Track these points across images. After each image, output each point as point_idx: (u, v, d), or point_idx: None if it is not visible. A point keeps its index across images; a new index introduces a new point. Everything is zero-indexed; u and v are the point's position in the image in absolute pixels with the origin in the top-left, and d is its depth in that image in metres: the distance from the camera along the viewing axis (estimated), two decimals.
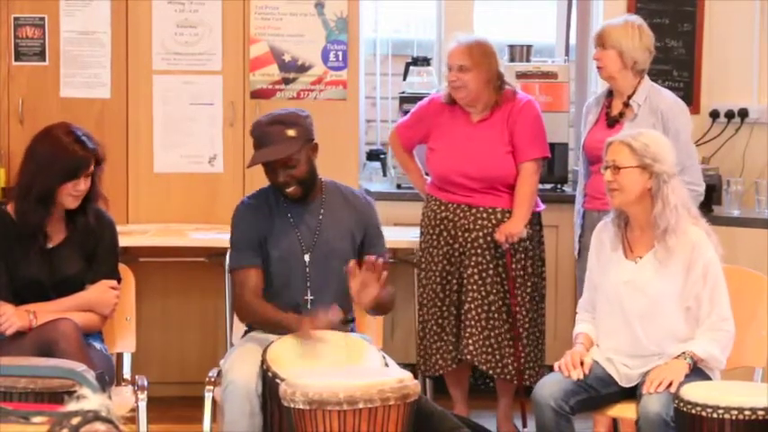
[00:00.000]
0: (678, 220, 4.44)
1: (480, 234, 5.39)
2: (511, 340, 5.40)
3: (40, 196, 4.50)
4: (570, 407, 4.41)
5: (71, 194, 4.52)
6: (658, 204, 4.45)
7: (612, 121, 5.27)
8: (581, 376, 4.44)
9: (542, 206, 5.58)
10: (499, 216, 5.41)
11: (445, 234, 5.45)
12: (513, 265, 5.40)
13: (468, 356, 5.37)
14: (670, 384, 4.30)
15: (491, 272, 5.39)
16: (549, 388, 4.43)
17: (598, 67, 5.31)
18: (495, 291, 5.39)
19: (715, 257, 4.47)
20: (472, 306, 5.37)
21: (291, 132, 4.55)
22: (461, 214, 5.43)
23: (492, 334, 5.39)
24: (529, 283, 5.45)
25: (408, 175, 5.83)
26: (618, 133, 4.91)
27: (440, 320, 5.47)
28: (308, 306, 4.56)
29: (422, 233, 5.54)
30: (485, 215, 5.41)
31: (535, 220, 5.51)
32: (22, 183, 4.56)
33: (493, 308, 5.39)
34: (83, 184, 4.53)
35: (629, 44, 5.21)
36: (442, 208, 5.47)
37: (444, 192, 5.47)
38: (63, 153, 4.50)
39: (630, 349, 4.49)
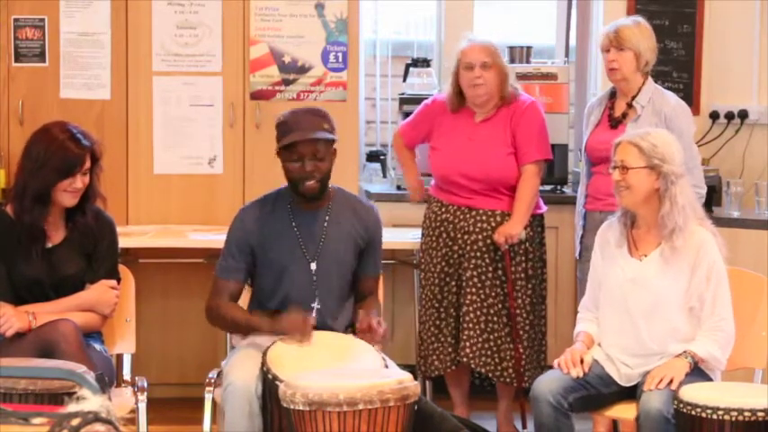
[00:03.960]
0: (686, 221, 4.45)
1: (480, 237, 5.39)
2: (510, 343, 5.40)
3: (37, 195, 4.50)
4: (569, 403, 4.41)
5: (68, 192, 4.53)
6: (666, 204, 4.45)
7: (615, 122, 5.27)
8: (581, 374, 4.44)
9: (544, 208, 5.57)
10: (499, 219, 5.40)
11: (445, 236, 5.45)
12: (513, 268, 5.40)
13: (466, 359, 5.37)
14: (671, 381, 4.31)
15: (490, 275, 5.39)
16: (547, 384, 4.43)
17: (611, 69, 5.24)
18: (494, 294, 5.38)
19: (719, 259, 4.48)
20: (471, 309, 5.37)
21: (326, 126, 4.59)
22: (461, 216, 5.43)
23: (491, 337, 5.39)
24: (529, 285, 5.45)
25: (405, 173, 5.78)
26: (620, 134, 4.91)
27: (437, 322, 5.47)
28: (314, 314, 4.56)
29: (423, 234, 5.54)
30: (485, 218, 5.41)
31: (537, 222, 5.51)
32: (19, 182, 4.57)
33: (492, 311, 5.38)
34: (79, 182, 4.53)
35: (646, 45, 5.20)
36: (443, 209, 5.47)
37: (446, 193, 5.47)
38: (58, 151, 4.50)
39: (633, 347, 4.49)
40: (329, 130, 4.58)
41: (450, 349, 5.44)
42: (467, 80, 5.38)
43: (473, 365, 5.38)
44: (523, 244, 5.41)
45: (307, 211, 4.65)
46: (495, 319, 5.38)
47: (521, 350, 5.40)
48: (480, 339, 5.37)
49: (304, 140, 4.52)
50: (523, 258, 5.44)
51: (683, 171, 4.51)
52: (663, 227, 4.47)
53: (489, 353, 5.38)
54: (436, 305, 5.47)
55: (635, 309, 4.49)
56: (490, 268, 5.39)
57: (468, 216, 5.42)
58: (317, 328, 4.50)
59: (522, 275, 5.43)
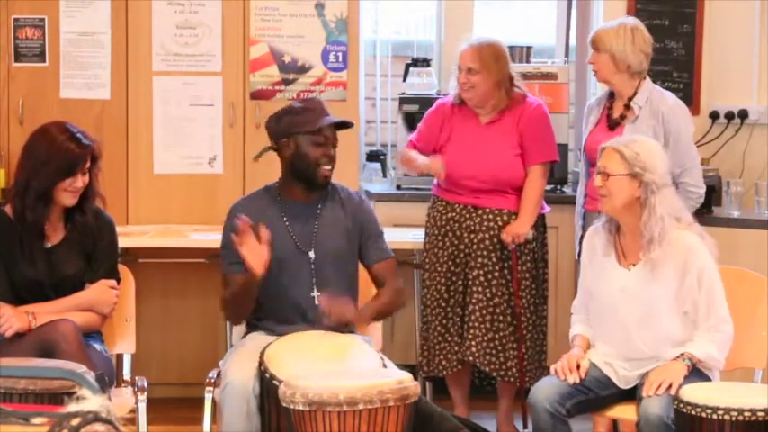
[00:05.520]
0: (663, 231, 4.41)
1: (486, 236, 5.39)
2: (514, 342, 5.40)
3: (39, 194, 4.51)
4: (567, 410, 4.40)
5: (68, 191, 4.53)
6: (645, 213, 4.43)
7: (614, 123, 5.27)
8: (577, 380, 4.43)
9: (547, 208, 5.58)
10: (505, 218, 5.41)
11: (450, 235, 5.45)
12: (519, 267, 5.40)
13: (471, 358, 5.37)
14: (670, 386, 4.30)
15: (496, 273, 5.39)
16: (545, 391, 4.42)
17: (594, 71, 5.32)
18: (500, 293, 5.39)
19: (710, 261, 4.45)
20: (477, 307, 5.37)
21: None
22: (467, 215, 5.43)
23: (496, 336, 5.39)
24: (533, 285, 5.46)
25: (419, 165, 5.50)
26: (619, 135, 4.92)
27: (443, 321, 5.47)
28: (316, 302, 4.56)
29: (427, 234, 5.54)
30: (491, 216, 5.41)
31: (539, 222, 5.51)
32: (20, 181, 4.57)
33: (497, 309, 5.39)
34: (80, 181, 4.54)
35: (621, 48, 5.20)
36: (448, 209, 5.47)
37: (450, 192, 5.47)
38: (59, 151, 4.50)
39: (627, 354, 4.48)
40: None
41: (456, 348, 5.44)
42: (458, 82, 5.40)
43: (478, 364, 5.39)
44: (530, 244, 5.42)
45: (299, 202, 4.67)
46: (501, 318, 5.39)
47: (524, 349, 5.40)
48: (485, 338, 5.37)
49: (335, 125, 4.62)
50: (529, 258, 5.44)
51: (665, 181, 4.47)
52: (641, 236, 4.45)
53: (494, 352, 5.39)
54: (443, 305, 5.47)
55: (626, 318, 4.47)
56: (496, 267, 5.39)
57: (474, 215, 5.42)
58: (317, 320, 4.53)
59: (527, 275, 5.44)
